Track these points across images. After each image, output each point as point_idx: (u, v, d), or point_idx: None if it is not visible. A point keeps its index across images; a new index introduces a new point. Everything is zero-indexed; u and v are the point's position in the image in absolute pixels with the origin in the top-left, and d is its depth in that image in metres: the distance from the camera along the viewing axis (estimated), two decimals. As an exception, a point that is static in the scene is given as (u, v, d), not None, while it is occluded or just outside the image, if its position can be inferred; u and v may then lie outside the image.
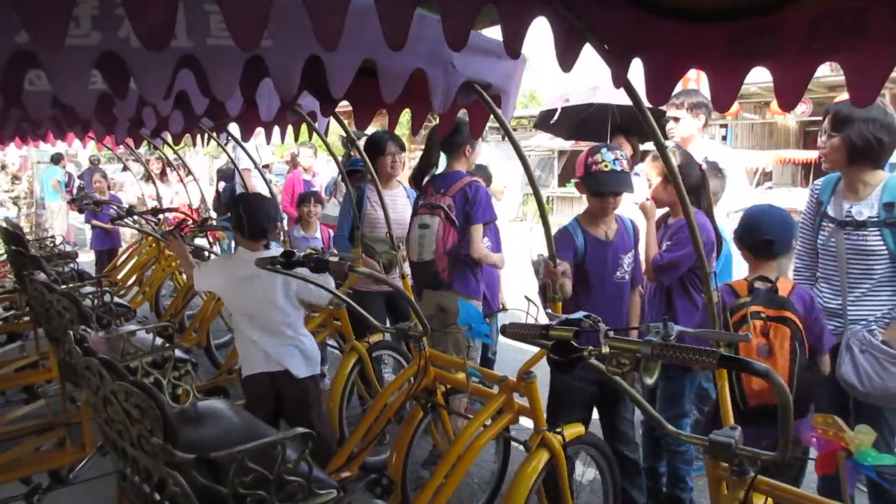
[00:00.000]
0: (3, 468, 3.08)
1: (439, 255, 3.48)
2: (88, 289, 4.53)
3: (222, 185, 8.23)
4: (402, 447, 2.98)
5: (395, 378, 3.26)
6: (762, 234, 2.62)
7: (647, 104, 1.89)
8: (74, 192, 11.21)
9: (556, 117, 5.40)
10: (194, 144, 5.64)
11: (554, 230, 2.79)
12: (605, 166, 2.79)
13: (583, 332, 1.60)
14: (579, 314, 1.65)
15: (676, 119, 3.92)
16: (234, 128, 4.95)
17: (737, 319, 2.46)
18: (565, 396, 2.97)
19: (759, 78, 3.12)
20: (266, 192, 7.18)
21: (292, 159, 8.27)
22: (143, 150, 8.41)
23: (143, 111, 4.04)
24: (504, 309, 4.34)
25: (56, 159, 11.00)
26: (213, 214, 8.06)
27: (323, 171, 7.81)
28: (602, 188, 2.85)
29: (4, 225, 5.92)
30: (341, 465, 3.13)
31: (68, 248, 6.83)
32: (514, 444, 3.38)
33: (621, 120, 5.28)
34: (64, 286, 3.91)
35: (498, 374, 2.84)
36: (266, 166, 7.27)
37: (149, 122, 4.44)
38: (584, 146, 3.44)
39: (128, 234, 9.36)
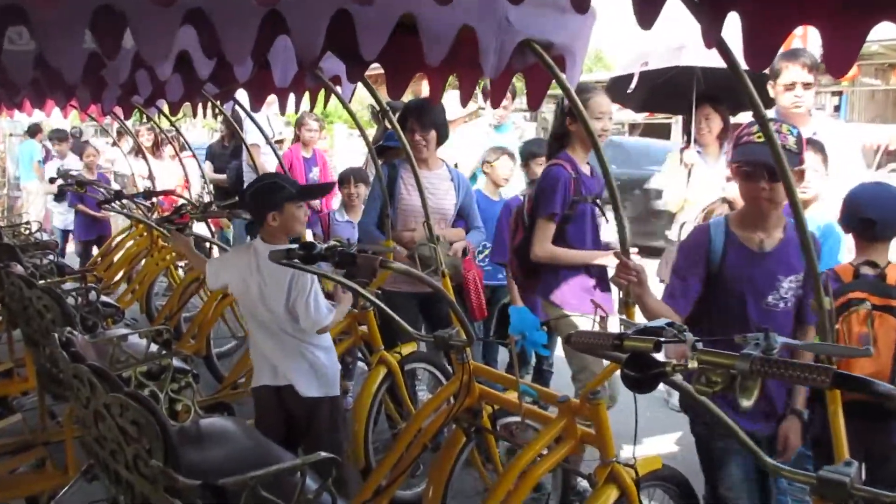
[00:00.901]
0: (-28, 494, 3.18)
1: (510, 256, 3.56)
2: (70, 285, 4.65)
3: (208, 164, 8.28)
4: (441, 480, 3.01)
5: (433, 397, 3.29)
6: (861, 213, 2.76)
7: (744, 67, 1.88)
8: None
9: (633, 84, 5.38)
10: (195, 115, 5.74)
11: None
12: (759, 137, 2.52)
13: (665, 342, 1.60)
14: (661, 321, 1.65)
15: (808, 85, 3.84)
16: (241, 95, 5.03)
17: (839, 305, 2.51)
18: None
19: (882, 35, 3.08)
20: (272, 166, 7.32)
21: (295, 132, 8.25)
22: (131, 121, 8.54)
23: (137, 75, 4.13)
24: (562, 316, 4.35)
25: (33, 132, 11.27)
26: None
27: (341, 148, 7.83)
28: (743, 158, 2.59)
29: (-28, 209, 6.10)
30: (367, 499, 3.17)
31: (46, 237, 7.00)
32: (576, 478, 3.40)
33: (707, 86, 5.23)
34: (42, 281, 4.04)
35: (557, 392, 2.85)
36: (279, 141, 7.34)
37: (143, 89, 4.54)
38: (662, 118, 3.44)
39: (121, 221, 9.53)
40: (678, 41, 5.23)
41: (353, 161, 7.38)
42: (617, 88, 5.70)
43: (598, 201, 3.73)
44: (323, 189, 4.93)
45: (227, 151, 8.21)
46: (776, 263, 2.67)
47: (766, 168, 2.49)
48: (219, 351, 5.84)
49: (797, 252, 2.43)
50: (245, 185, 7.43)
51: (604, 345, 1.71)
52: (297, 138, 7.57)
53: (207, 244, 5.85)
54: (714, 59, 3.53)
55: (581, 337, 1.80)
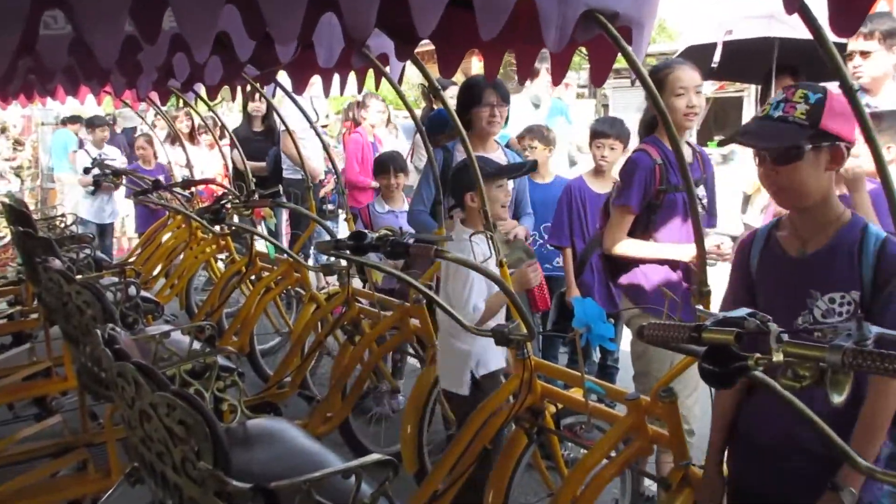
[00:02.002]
0: (13, 498, 3.25)
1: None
2: (109, 280, 4.76)
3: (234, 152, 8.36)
4: (501, 485, 3.02)
5: (491, 396, 3.30)
6: None
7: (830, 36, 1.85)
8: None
9: (717, 56, 5.31)
10: (233, 98, 5.81)
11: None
12: (764, 111, 2.27)
13: (747, 334, 1.59)
14: (741, 311, 1.64)
15: (865, 53, 3.79)
16: (282, 77, 5.07)
17: None
18: None
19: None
20: (319, 158, 7.39)
21: (350, 114, 8.28)
22: (166, 107, 8.65)
23: (174, 58, 4.20)
24: (631, 307, 4.33)
25: (72, 121, 11.46)
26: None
27: (385, 137, 7.85)
28: (741, 137, 2.35)
29: (7, 201, 6.25)
30: (423, 504, 3.20)
31: (82, 230, 7.17)
32: (647, 481, 3.39)
33: (783, 56, 5.14)
34: (79, 276, 4.14)
35: (625, 390, 2.84)
36: (324, 126, 7.40)
37: (180, 72, 4.60)
38: (734, 92, 3.39)
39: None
40: (766, 9, 5.16)
41: (395, 144, 7.39)
42: (693, 59, 5.63)
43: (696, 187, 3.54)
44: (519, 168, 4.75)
45: (258, 137, 8.26)
46: (814, 272, 2.23)
47: (767, 149, 2.21)
48: (262, 348, 5.94)
49: (848, 263, 2.16)
50: (282, 173, 7.54)
51: (680, 337, 1.70)
52: (355, 122, 7.61)
53: (248, 236, 5.91)
54: (804, 31, 3.44)
55: (655, 329, 1.78)
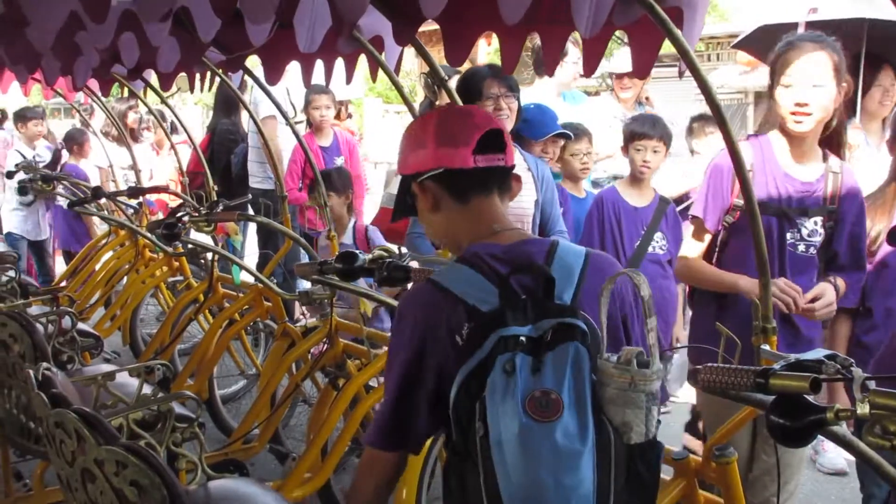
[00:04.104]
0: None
1: None
2: (38, 309, 4.76)
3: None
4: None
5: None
6: None
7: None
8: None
9: None
10: (192, 88, 5.82)
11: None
12: None
13: (826, 380, 1.59)
14: (817, 353, 1.65)
15: None
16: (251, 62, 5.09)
17: None
18: None
19: None
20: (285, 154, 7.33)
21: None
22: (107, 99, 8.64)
23: (121, 39, 4.21)
24: (679, 347, 4.35)
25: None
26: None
27: (373, 129, 7.75)
28: None
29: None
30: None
31: (6, 248, 7.15)
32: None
33: (872, 43, 5.15)
34: (2, 304, 4.14)
35: (671, 448, 2.83)
36: (298, 122, 7.38)
37: (127, 56, 4.61)
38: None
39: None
40: None
41: (388, 146, 7.32)
42: (766, 41, 5.63)
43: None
44: None
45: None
46: None
47: None
48: (224, 393, 5.91)
49: None
50: (251, 177, 7.52)
51: (742, 383, 1.71)
52: (309, 123, 7.38)
53: (208, 256, 5.88)
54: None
55: (711, 374, 1.79)
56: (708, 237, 3.46)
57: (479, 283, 2.02)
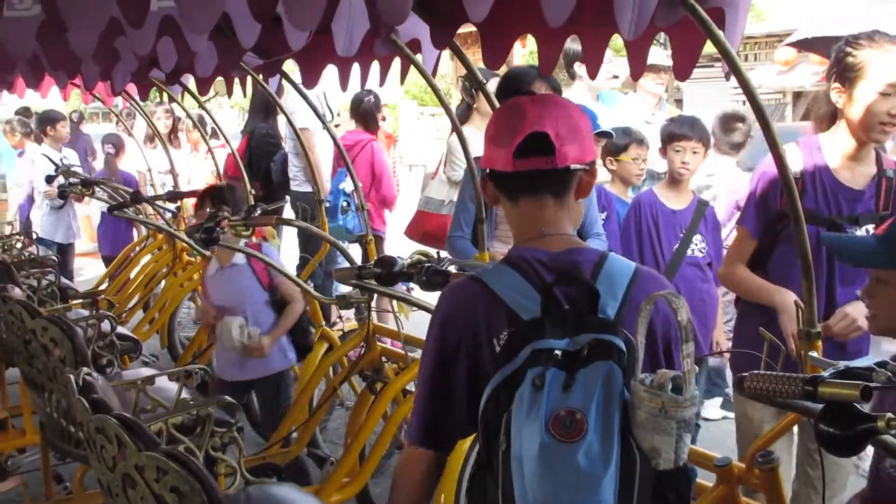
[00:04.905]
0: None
1: None
2: (78, 313, 4.79)
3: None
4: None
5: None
6: None
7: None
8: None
9: None
10: (230, 93, 5.84)
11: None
12: None
13: (877, 388, 1.57)
14: (867, 360, 1.62)
15: None
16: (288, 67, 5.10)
17: None
18: None
19: None
20: (326, 161, 7.34)
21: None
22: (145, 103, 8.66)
23: (159, 44, 4.22)
24: (719, 352, 4.30)
25: (24, 116, 11.40)
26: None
27: (408, 132, 7.73)
28: None
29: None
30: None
31: (42, 252, 7.16)
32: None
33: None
34: (43, 308, 4.16)
35: (713, 454, 2.80)
36: (339, 125, 7.39)
37: (165, 62, 4.63)
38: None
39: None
40: None
41: (423, 148, 7.27)
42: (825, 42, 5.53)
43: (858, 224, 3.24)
44: None
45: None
46: None
47: None
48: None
49: None
50: (291, 181, 7.54)
51: (790, 391, 1.68)
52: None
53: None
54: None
55: (757, 381, 1.76)
56: (753, 245, 3.39)
57: (522, 288, 1.99)
